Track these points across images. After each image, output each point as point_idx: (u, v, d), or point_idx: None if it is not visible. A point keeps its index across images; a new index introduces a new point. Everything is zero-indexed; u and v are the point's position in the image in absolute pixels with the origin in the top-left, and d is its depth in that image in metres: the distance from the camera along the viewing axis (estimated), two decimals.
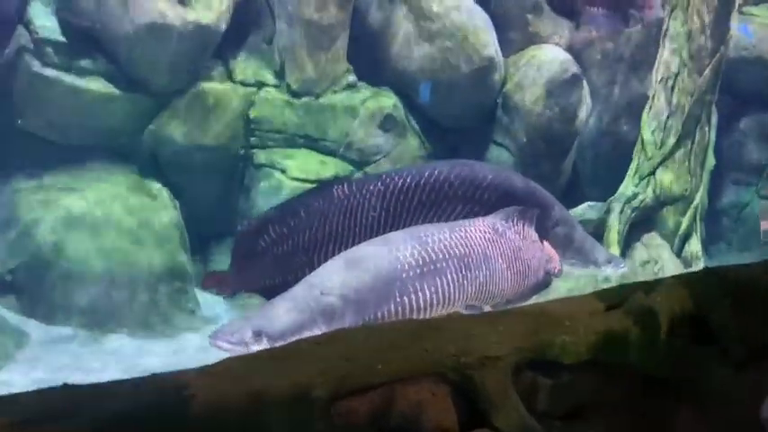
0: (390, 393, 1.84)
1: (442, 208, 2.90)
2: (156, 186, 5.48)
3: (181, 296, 5.28)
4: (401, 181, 2.91)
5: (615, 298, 2.07)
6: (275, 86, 5.74)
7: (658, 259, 4.78)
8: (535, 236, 2.91)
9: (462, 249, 2.55)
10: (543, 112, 6.01)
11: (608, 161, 6.27)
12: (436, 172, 2.96)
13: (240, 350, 2.21)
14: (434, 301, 2.47)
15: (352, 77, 5.89)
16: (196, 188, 5.64)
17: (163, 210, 5.36)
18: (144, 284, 5.05)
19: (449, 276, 2.50)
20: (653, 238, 4.93)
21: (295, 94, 5.73)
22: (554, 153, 6.11)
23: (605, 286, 4.60)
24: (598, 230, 4.69)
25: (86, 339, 4.75)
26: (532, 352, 1.90)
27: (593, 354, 1.92)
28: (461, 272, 2.52)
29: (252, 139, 5.67)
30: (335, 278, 2.39)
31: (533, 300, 2.99)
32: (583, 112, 6.17)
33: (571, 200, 3.14)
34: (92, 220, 5.01)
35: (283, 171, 5.52)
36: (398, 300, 2.40)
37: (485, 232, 2.67)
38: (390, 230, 2.81)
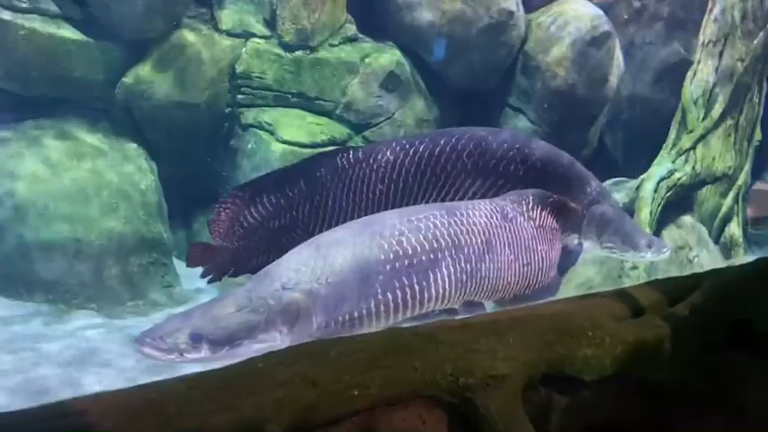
0: (369, 422, 1.57)
1: (459, 182, 2.68)
2: (132, 146, 5.16)
3: (157, 269, 5.02)
4: (413, 150, 2.68)
5: (644, 299, 1.88)
6: (265, 38, 5.38)
7: (693, 245, 4.44)
8: (554, 223, 2.56)
9: (462, 237, 2.24)
10: (568, 75, 5.65)
11: (641, 133, 5.94)
12: (453, 140, 2.72)
13: (172, 359, 1.90)
14: (425, 299, 2.16)
15: (352, 30, 5.49)
16: (176, 149, 5.34)
17: (138, 173, 5.06)
18: (115, 256, 4.78)
19: (444, 269, 2.19)
20: (688, 221, 4.59)
21: (287, 47, 5.36)
22: (578, 122, 5.79)
23: (631, 275, 4.32)
24: (627, 211, 4.34)
25: (50, 316, 4.50)
26: (548, 367, 1.72)
27: (620, 367, 1.74)
28: (460, 264, 2.21)
29: (238, 96, 5.35)
30: (302, 269, 2.05)
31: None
32: (613, 77, 5.81)
33: (596, 176, 2.85)
34: (57, 183, 4.71)
35: (272, 133, 5.17)
36: (380, 297, 2.09)
37: (490, 217, 2.36)
38: (400, 207, 2.59)
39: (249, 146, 5.28)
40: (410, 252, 2.14)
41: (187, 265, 2.78)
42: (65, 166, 4.74)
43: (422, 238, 2.17)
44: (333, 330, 2.05)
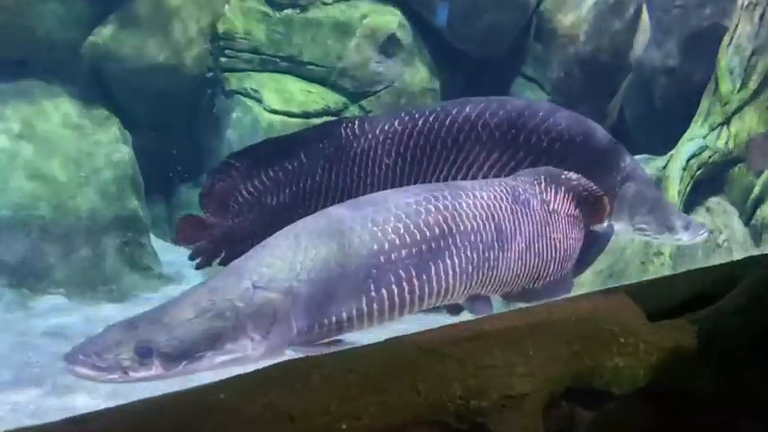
0: None
1: (474, 156, 2.50)
2: (103, 114, 4.85)
3: (133, 250, 4.75)
4: (422, 121, 2.52)
5: (676, 294, 1.70)
6: None
7: (723, 228, 4.18)
8: (572, 208, 2.30)
9: (468, 221, 1.99)
10: (587, 41, 5.35)
11: (667, 105, 5.62)
12: (467, 109, 2.53)
13: (113, 379, 1.62)
14: (426, 295, 1.92)
15: None
16: (152, 118, 5.04)
17: (110, 143, 4.76)
18: (84, 235, 4.52)
19: (448, 259, 1.94)
20: (719, 203, 4.32)
21: (275, 5, 5.05)
22: (598, 92, 5.49)
23: (655, 261, 4.05)
24: None
25: (12, 302, 4.24)
26: (573, 381, 1.53)
27: (654, 377, 1.58)
28: (465, 252, 1.97)
29: (221, 59, 5.04)
30: (277, 263, 1.78)
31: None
32: (638, 43, 5.48)
33: None
34: (20, 156, 4.41)
35: (259, 101, 4.86)
36: (374, 294, 1.83)
37: (500, 199, 2.11)
38: (408, 183, 2.45)
39: (234, 115, 4.98)
40: (408, 240, 1.87)
41: (175, 242, 2.58)
42: (27, 136, 4.44)
43: (422, 224, 1.91)
44: (317, 336, 1.80)
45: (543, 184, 2.26)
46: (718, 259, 4.12)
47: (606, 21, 5.33)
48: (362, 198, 2.03)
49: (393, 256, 1.84)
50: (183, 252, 5.83)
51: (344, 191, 2.50)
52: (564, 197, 2.29)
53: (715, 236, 4.16)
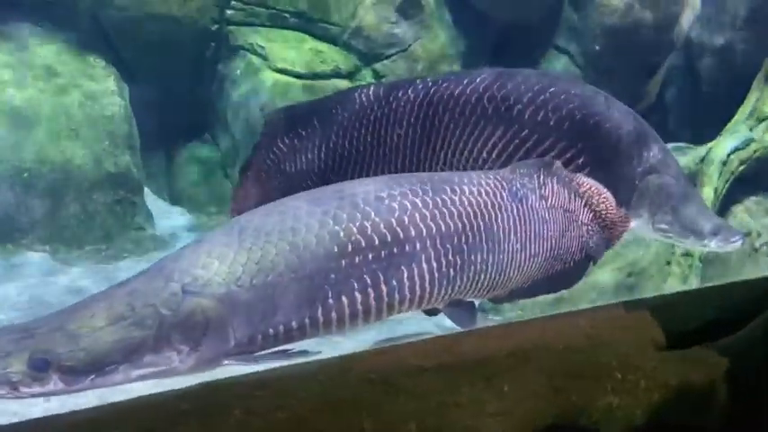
0: None
1: (479, 130, 2.37)
2: (100, 63, 4.66)
3: (125, 209, 4.61)
4: (435, 89, 2.43)
5: (697, 315, 1.51)
6: None
7: (763, 231, 3.86)
8: (574, 202, 2.08)
9: (451, 221, 1.79)
10: (628, 13, 4.97)
11: (714, 90, 5.21)
12: (477, 80, 2.41)
13: (1, 396, 1.43)
14: (396, 302, 1.73)
15: None
16: (153, 70, 4.83)
17: (105, 95, 4.57)
18: (73, 191, 4.38)
19: (424, 263, 1.74)
20: (759, 202, 3.99)
21: None
22: (636, 70, 5.14)
23: (681, 263, 3.76)
24: None
25: None
26: (555, 419, 1.36)
27: (653, 416, 1.40)
28: (447, 256, 1.77)
29: (227, 11, 4.78)
30: (214, 264, 1.58)
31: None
32: (685, 18, 5.12)
33: None
34: (6, 104, 4.25)
35: (265, 58, 4.61)
36: (332, 302, 1.64)
37: (494, 195, 1.91)
38: (418, 156, 2.39)
39: (237, 71, 4.74)
40: (376, 241, 1.67)
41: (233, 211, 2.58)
42: (15, 82, 4.27)
43: (394, 223, 1.70)
44: (260, 347, 1.61)
45: (542, 177, 2.05)
46: (753, 265, 3.80)
47: None
48: (329, 188, 1.82)
49: (357, 258, 1.64)
50: (178, 212, 5.67)
51: (357, 162, 2.45)
52: (561, 190, 2.09)
53: (752, 239, 3.85)
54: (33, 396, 1.46)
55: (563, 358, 1.41)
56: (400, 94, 2.45)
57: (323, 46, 4.77)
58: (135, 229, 4.62)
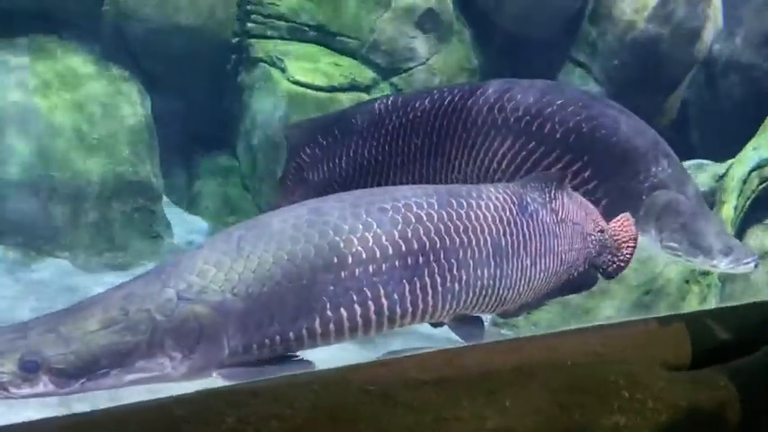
0: None
1: (489, 141, 2.39)
2: (123, 74, 4.73)
3: (143, 217, 4.66)
4: (449, 99, 2.47)
5: (710, 337, 1.49)
6: None
7: None
8: (580, 214, 2.06)
9: (457, 235, 1.76)
10: (648, 27, 4.93)
11: (736, 106, 5.14)
12: (489, 90, 2.44)
13: None
14: (397, 316, 1.70)
15: None
16: (175, 82, 4.89)
17: (127, 106, 4.64)
18: (94, 199, 4.44)
19: (426, 277, 1.71)
20: None
21: None
22: (656, 85, 5.11)
23: (700, 281, 3.69)
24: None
25: (16, 263, 4.20)
26: None
27: None
28: (451, 271, 1.74)
29: (248, 24, 4.84)
30: (211, 271, 1.57)
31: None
32: (707, 33, 5.05)
33: None
34: (33, 113, 4.33)
35: (283, 71, 4.64)
36: (329, 314, 1.61)
37: (503, 210, 1.88)
38: (434, 165, 2.42)
39: (256, 84, 4.79)
40: (378, 254, 1.65)
41: None
42: (41, 92, 4.36)
43: (396, 236, 1.68)
44: (255, 356, 1.60)
45: (553, 192, 2.02)
46: None
47: (671, 6, 4.88)
48: (333, 197, 1.80)
49: (357, 271, 1.62)
50: (196, 221, 5.71)
51: (375, 171, 2.47)
52: (570, 204, 2.07)
53: None
54: (23, 397, 1.46)
55: (569, 375, 1.38)
56: (417, 105, 2.47)
57: (341, 59, 4.79)
58: (153, 237, 4.67)
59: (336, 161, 2.52)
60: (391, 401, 1.23)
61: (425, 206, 1.73)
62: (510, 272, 1.85)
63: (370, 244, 1.65)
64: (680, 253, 2.37)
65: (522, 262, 1.87)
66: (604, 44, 5.11)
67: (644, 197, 2.32)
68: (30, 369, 1.43)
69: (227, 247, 1.61)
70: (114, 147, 4.51)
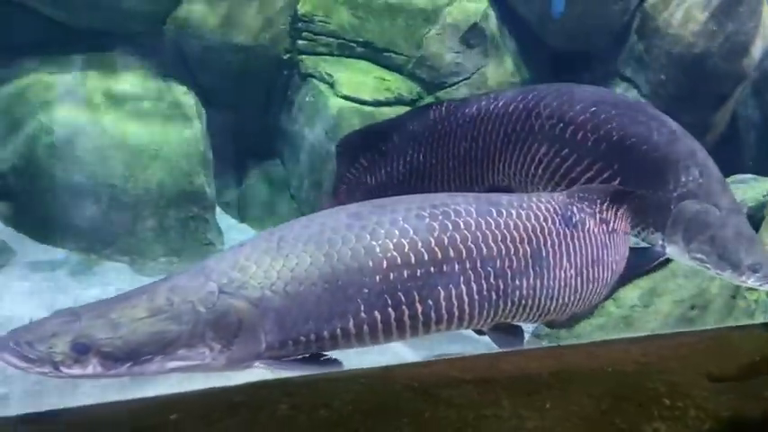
0: None
1: (527, 146, 2.42)
2: (180, 89, 4.92)
3: (197, 225, 4.82)
4: (493, 105, 2.53)
5: (759, 348, 1.50)
6: None
7: None
8: (625, 224, 2.05)
9: (494, 244, 1.76)
10: (696, 41, 4.84)
11: None
12: (531, 95, 2.49)
13: (42, 373, 1.50)
14: (432, 321, 1.72)
15: None
16: (230, 96, 5.05)
17: (184, 119, 4.82)
18: (152, 207, 4.62)
19: (462, 285, 1.72)
20: None
21: None
22: (703, 100, 5.00)
23: (747, 297, 3.60)
24: (751, 220, 3.54)
25: (78, 265, 4.41)
26: None
27: None
28: (488, 279, 1.75)
29: (299, 42, 4.96)
30: (251, 268, 1.62)
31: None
32: (757, 48, 4.93)
33: (719, 169, 2.28)
34: (98, 125, 4.56)
35: (332, 86, 4.75)
36: (364, 315, 1.64)
37: (544, 219, 1.88)
38: (480, 168, 2.47)
39: (306, 98, 4.91)
40: (412, 259, 1.67)
41: None
42: (106, 105, 4.58)
43: (432, 242, 1.69)
44: (291, 353, 1.64)
45: (606, 203, 2.01)
46: None
47: (720, 19, 4.78)
48: (372, 202, 1.83)
49: (392, 275, 1.64)
50: (246, 229, 5.87)
51: (428, 175, 2.53)
52: (623, 214, 2.06)
53: None
54: (72, 377, 1.53)
55: (609, 381, 1.39)
56: (467, 110, 2.53)
57: (388, 74, 4.86)
58: (205, 244, 4.83)
59: (393, 165, 2.59)
60: (433, 398, 1.27)
61: (464, 214, 1.75)
62: (552, 282, 1.84)
63: (406, 249, 1.66)
64: (708, 265, 2.31)
65: (565, 272, 1.86)
66: (651, 58, 5.04)
67: (672, 207, 2.27)
68: (80, 351, 1.49)
69: (268, 245, 1.66)
70: (172, 158, 4.70)
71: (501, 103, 2.49)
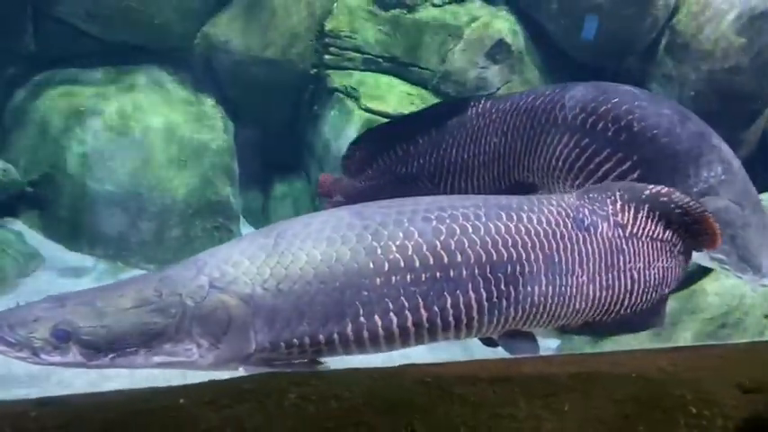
0: None
1: (550, 138, 2.39)
2: (210, 102, 4.99)
3: (222, 235, 4.85)
4: (522, 101, 2.53)
5: None
6: None
7: None
8: (659, 230, 1.93)
9: (504, 249, 1.67)
10: (728, 57, 4.72)
11: None
12: (556, 91, 2.47)
13: (21, 358, 1.44)
14: (438, 328, 1.62)
15: None
16: (256, 110, 5.10)
17: (212, 131, 4.88)
18: (178, 216, 4.66)
19: (470, 291, 1.62)
20: None
21: (383, 5, 4.93)
22: (735, 116, 4.85)
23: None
24: None
25: (104, 272, 4.45)
26: None
27: None
28: (497, 285, 1.65)
29: (326, 56, 5.00)
30: (244, 263, 1.53)
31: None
32: None
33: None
34: (127, 135, 4.63)
35: (357, 99, 4.77)
36: (363, 320, 1.54)
37: (555, 223, 1.77)
38: (508, 163, 2.47)
39: (332, 112, 4.93)
40: (416, 263, 1.58)
41: (318, 194, 2.82)
42: (136, 117, 4.66)
43: (438, 246, 1.60)
44: (284, 356, 1.55)
45: (620, 203, 1.88)
46: None
47: (750, 35, 4.69)
48: (378, 203, 1.75)
49: (394, 279, 1.55)
50: None
51: (462, 169, 2.54)
52: (649, 218, 1.91)
53: None
54: (52, 364, 1.47)
55: (633, 386, 1.32)
56: (500, 107, 2.54)
57: (413, 89, 4.87)
58: None
59: (426, 157, 2.58)
60: (447, 394, 1.22)
61: (472, 218, 1.66)
62: (564, 288, 1.74)
63: (410, 252, 1.58)
64: (728, 267, 2.19)
65: (577, 278, 1.76)
66: (680, 75, 4.96)
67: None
68: (61, 337, 1.43)
69: (265, 241, 1.59)
70: (199, 169, 4.75)
71: (530, 99, 2.51)
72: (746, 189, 2.27)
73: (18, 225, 4.52)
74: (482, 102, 2.60)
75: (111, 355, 1.47)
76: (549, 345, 3.63)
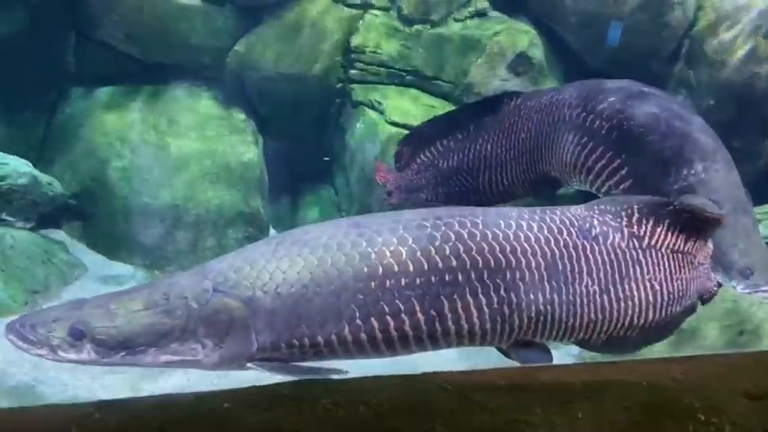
0: None
1: (559, 135, 2.48)
2: (240, 117, 5.15)
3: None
4: (552, 96, 2.63)
5: None
6: (384, 9, 5.12)
7: None
8: (681, 242, 1.91)
9: (502, 256, 1.68)
10: (745, 67, 4.72)
11: None
12: (568, 89, 2.62)
13: (41, 355, 1.54)
14: (439, 334, 1.65)
15: (483, 3, 4.99)
16: (284, 124, 5.24)
17: (243, 145, 5.03)
18: (212, 227, 4.81)
19: (469, 297, 1.64)
20: None
21: (407, 20, 5.03)
22: (752, 124, 4.83)
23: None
24: None
25: (143, 280, 4.61)
26: None
27: None
28: (497, 291, 1.66)
29: (351, 71, 5.12)
30: (245, 268, 1.61)
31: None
32: None
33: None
34: (165, 149, 4.81)
35: (382, 113, 4.87)
36: (359, 323, 1.59)
37: (557, 231, 1.77)
38: (533, 156, 2.58)
39: (357, 125, 5.04)
40: (410, 268, 1.61)
41: (378, 180, 3.01)
42: (171, 132, 4.83)
43: (432, 251, 1.64)
44: (286, 357, 1.62)
45: (637, 216, 1.86)
46: None
47: (766, 46, 4.67)
48: (377, 215, 1.83)
49: (388, 283, 1.59)
50: None
51: (495, 164, 2.66)
52: (668, 230, 1.88)
53: None
54: (69, 361, 1.57)
55: (644, 394, 1.38)
56: (529, 104, 2.64)
57: (436, 102, 4.95)
58: None
59: (465, 152, 2.71)
60: (467, 401, 1.30)
61: (469, 225, 1.68)
62: (573, 298, 1.74)
63: (404, 257, 1.61)
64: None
65: (587, 288, 1.75)
66: (699, 84, 4.96)
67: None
68: (76, 336, 1.53)
69: (266, 248, 1.66)
70: (231, 181, 4.90)
71: (550, 96, 2.61)
72: (729, 189, 2.23)
73: (62, 236, 4.72)
74: (514, 98, 2.72)
75: (122, 354, 1.56)
76: (571, 351, 3.67)
